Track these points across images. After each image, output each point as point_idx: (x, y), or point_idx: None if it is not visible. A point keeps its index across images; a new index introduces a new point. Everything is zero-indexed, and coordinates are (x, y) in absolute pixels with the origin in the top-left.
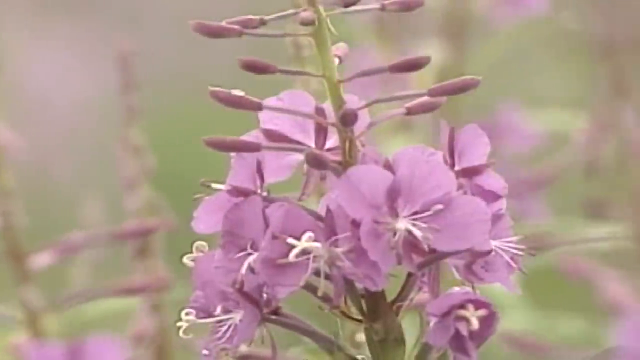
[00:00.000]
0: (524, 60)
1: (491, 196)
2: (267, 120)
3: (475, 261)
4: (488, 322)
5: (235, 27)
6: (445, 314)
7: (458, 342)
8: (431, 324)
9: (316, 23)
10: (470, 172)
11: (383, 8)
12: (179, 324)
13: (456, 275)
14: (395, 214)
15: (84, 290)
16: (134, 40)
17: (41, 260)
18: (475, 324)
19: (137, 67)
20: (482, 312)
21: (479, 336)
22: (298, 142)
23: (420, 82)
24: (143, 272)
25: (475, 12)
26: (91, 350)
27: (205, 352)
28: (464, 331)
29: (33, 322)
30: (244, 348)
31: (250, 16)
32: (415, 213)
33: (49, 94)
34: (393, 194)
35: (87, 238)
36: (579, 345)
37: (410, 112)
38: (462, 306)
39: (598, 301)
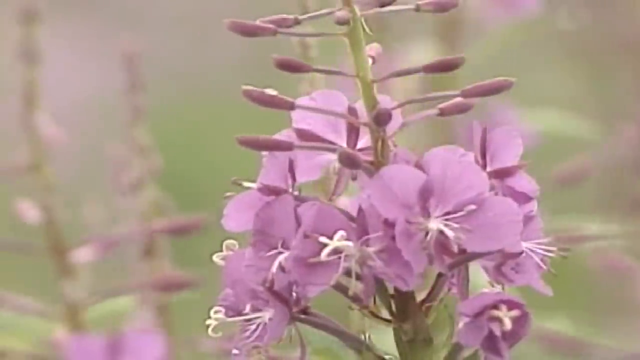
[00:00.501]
0: (517, 59)
1: (523, 198)
2: (300, 119)
3: (506, 262)
4: (521, 322)
5: (271, 26)
6: (478, 314)
7: (491, 342)
8: (463, 324)
9: (351, 23)
10: (502, 174)
11: (418, 9)
12: (208, 321)
13: (485, 276)
14: (427, 214)
15: (118, 286)
16: (135, 40)
17: (83, 255)
18: (508, 324)
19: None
20: (515, 312)
21: (511, 336)
22: (330, 142)
23: (404, 85)
24: (149, 272)
25: (468, 13)
26: (131, 344)
27: (235, 351)
28: (497, 331)
29: (74, 315)
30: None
31: (285, 15)
32: (448, 213)
33: (49, 93)
34: (425, 194)
35: (128, 234)
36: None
37: (443, 113)
38: (495, 306)
39: (629, 299)
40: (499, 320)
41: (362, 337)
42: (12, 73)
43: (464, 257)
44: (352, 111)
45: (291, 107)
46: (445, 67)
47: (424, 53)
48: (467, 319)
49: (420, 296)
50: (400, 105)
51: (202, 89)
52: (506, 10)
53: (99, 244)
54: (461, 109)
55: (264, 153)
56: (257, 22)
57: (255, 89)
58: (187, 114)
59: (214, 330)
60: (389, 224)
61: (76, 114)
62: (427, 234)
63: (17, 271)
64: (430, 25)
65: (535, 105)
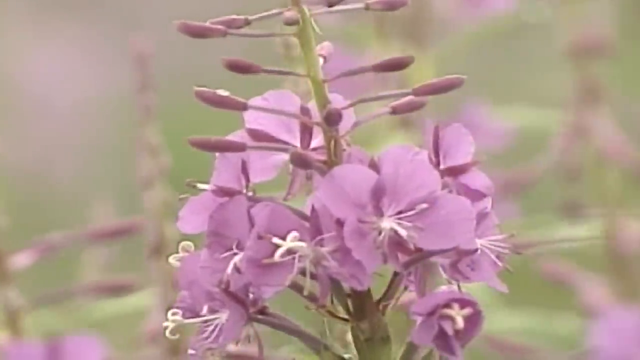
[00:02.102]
0: (489, 58)
1: (476, 195)
2: (252, 120)
3: (461, 260)
4: (473, 321)
5: (220, 27)
6: (431, 313)
7: (443, 341)
8: (417, 323)
9: (300, 23)
10: (455, 171)
11: (367, 7)
12: (165, 324)
13: (443, 274)
14: (380, 213)
15: (64, 289)
16: (144, 41)
17: (21, 260)
18: (460, 322)
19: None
20: (467, 311)
21: (464, 335)
22: (283, 142)
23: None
24: (156, 270)
25: (437, 13)
26: (70, 349)
27: (192, 351)
28: (450, 330)
29: (13, 321)
30: (231, 347)
31: (235, 16)
32: (400, 212)
33: (51, 93)
34: (378, 193)
35: (66, 238)
36: (554, 344)
37: (395, 111)
38: (447, 305)
39: (574, 301)
40: (451, 318)
41: (321, 337)
42: None
43: (419, 256)
44: (304, 111)
45: (244, 107)
46: (394, 66)
47: (395, 54)
48: (420, 318)
49: (377, 295)
50: (352, 105)
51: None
52: (477, 9)
53: (37, 249)
54: (413, 107)
55: (217, 154)
56: (207, 24)
57: (207, 89)
58: (185, 114)
59: (171, 332)
60: (342, 224)
61: (77, 113)
62: (380, 233)
63: None
64: (399, 25)
65: (510, 104)
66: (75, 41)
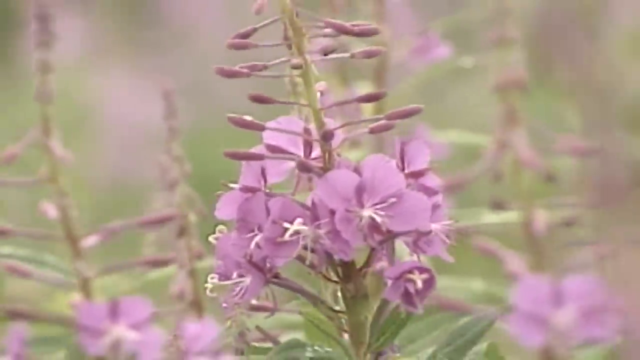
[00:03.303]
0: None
1: (431, 192)
2: (269, 137)
3: (420, 239)
4: (429, 283)
5: (245, 70)
6: (398, 277)
7: (407, 297)
8: (388, 285)
9: (303, 67)
10: (415, 175)
11: (352, 56)
12: (206, 285)
13: (407, 249)
14: (361, 205)
15: (128, 261)
16: (178, 77)
17: (90, 241)
18: (420, 284)
19: (179, 98)
20: (424, 275)
21: (422, 293)
22: (291, 153)
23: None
24: (183, 247)
25: (394, 59)
26: (126, 307)
27: (224, 305)
28: (412, 289)
29: (84, 286)
30: (253, 302)
31: (255, 62)
32: (376, 204)
33: (119, 115)
34: (359, 191)
35: (123, 225)
36: (485, 302)
37: (373, 131)
38: (410, 271)
39: (500, 271)
40: (413, 281)
41: (318, 294)
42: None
43: (389, 236)
44: (306, 131)
45: (263, 128)
46: (372, 98)
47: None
48: (390, 281)
49: (359, 264)
50: (341, 127)
51: (217, 106)
52: (423, 57)
53: (102, 233)
54: (386, 128)
55: (243, 162)
56: (236, 68)
57: (236, 116)
58: (206, 130)
59: (211, 291)
60: (334, 213)
61: (131, 134)
62: (361, 219)
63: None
64: (368, 69)
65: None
66: (134, 77)
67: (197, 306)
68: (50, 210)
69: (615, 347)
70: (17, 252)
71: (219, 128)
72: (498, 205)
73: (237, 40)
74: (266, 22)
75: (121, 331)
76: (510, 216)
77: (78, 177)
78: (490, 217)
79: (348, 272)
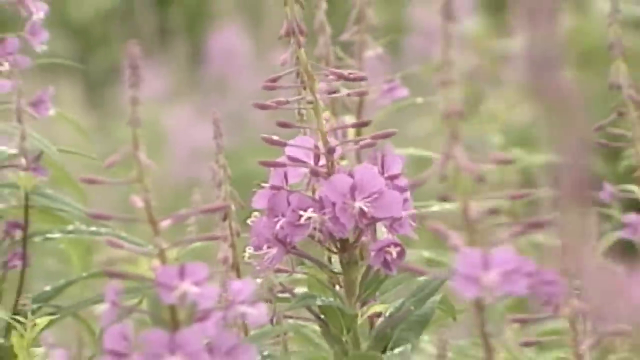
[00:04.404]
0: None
1: (402, 190)
2: (289, 151)
3: (394, 222)
4: (400, 254)
5: (272, 104)
6: (379, 250)
7: (386, 264)
8: (371, 255)
9: (314, 102)
10: (391, 177)
11: (349, 95)
12: (244, 253)
13: (384, 230)
14: (354, 199)
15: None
16: (223, 109)
17: (165, 223)
18: (394, 254)
19: (224, 124)
20: (398, 249)
21: (396, 261)
22: (305, 162)
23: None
24: (227, 227)
25: (369, 98)
26: (189, 269)
27: (258, 268)
28: (389, 258)
29: (161, 255)
30: (278, 266)
31: (281, 99)
32: (364, 198)
33: (180, 136)
34: (353, 189)
35: (188, 213)
36: (433, 267)
37: (362, 147)
38: (387, 246)
39: (444, 244)
40: (390, 253)
41: (323, 261)
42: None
43: (373, 220)
44: (316, 147)
45: (285, 145)
46: (362, 125)
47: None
48: (373, 252)
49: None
50: (340, 144)
51: (249, 129)
52: (389, 97)
53: (173, 218)
54: (371, 145)
55: (272, 169)
56: (268, 102)
57: (268, 136)
58: (242, 146)
59: (248, 258)
60: (334, 204)
61: (192, 149)
62: (354, 209)
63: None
64: (353, 104)
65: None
66: (195, 107)
67: (236, 269)
68: (137, 202)
69: (524, 298)
70: (114, 230)
71: (250, 145)
72: (444, 199)
73: (270, 83)
74: (288, 71)
75: (187, 287)
76: (452, 206)
77: (156, 178)
78: (438, 207)
79: (344, 246)
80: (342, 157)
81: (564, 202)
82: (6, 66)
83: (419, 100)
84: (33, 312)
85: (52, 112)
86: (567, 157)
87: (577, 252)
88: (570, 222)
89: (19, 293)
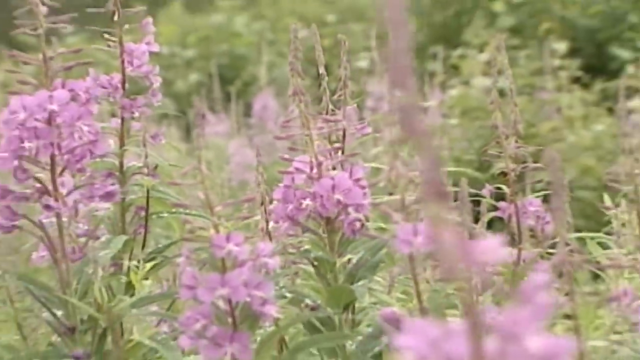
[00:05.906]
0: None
1: (364, 187)
2: (295, 164)
3: (359, 207)
4: (362, 225)
5: (285, 136)
6: (350, 223)
7: (353, 232)
8: (345, 226)
9: (310, 135)
10: (357, 180)
11: (337, 131)
12: (268, 224)
13: (353, 212)
14: (334, 193)
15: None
16: (259, 140)
17: (218, 209)
18: (358, 226)
19: (261, 149)
20: (361, 222)
21: (360, 230)
22: (304, 171)
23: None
24: (263, 210)
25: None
26: (233, 236)
27: (276, 233)
28: (355, 228)
29: (216, 227)
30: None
31: (291, 133)
32: (340, 192)
33: (240, 160)
34: (333, 187)
35: (234, 202)
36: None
37: (341, 162)
38: (354, 220)
39: (391, 220)
40: (355, 225)
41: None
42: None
43: (345, 206)
44: (311, 162)
45: (293, 160)
46: (342, 150)
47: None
48: (346, 225)
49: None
50: (326, 160)
51: (274, 151)
52: (359, 132)
53: (225, 204)
54: (346, 161)
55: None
56: (283, 135)
57: (284, 155)
58: (270, 161)
59: (270, 229)
60: (322, 196)
61: (240, 164)
62: (334, 198)
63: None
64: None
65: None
66: (243, 140)
67: (268, 235)
68: (200, 195)
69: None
70: (198, 212)
71: (275, 161)
72: (390, 194)
73: (285, 124)
74: (294, 116)
75: (231, 247)
76: (394, 198)
77: (214, 183)
78: (385, 198)
79: (328, 221)
80: (334, 167)
81: (427, 197)
82: (137, 114)
83: (376, 134)
84: (147, 260)
85: (163, 141)
86: (426, 170)
87: (438, 232)
88: (433, 211)
89: (142, 248)
